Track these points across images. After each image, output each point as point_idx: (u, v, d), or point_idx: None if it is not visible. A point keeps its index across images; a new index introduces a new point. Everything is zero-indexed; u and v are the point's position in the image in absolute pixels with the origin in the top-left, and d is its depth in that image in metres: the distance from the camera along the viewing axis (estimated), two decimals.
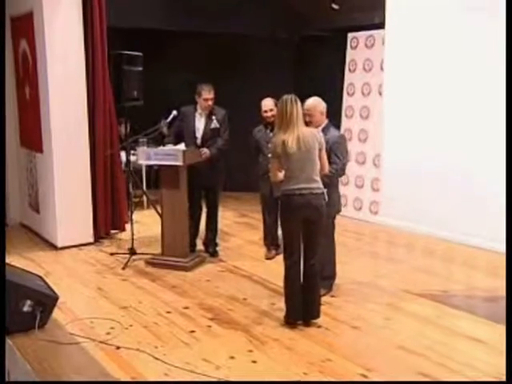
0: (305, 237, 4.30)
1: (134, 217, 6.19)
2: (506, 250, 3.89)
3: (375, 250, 6.52)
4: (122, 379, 3.56)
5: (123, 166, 6.97)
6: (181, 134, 5.87)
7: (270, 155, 4.34)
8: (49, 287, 4.35)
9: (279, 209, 4.38)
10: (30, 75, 6.43)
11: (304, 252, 4.32)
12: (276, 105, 5.61)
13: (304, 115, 4.41)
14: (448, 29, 6.25)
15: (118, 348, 3.94)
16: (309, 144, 4.15)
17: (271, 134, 5.74)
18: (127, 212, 6.76)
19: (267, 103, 5.76)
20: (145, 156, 5.61)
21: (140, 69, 6.57)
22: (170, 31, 7.88)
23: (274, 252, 6.02)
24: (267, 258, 5.97)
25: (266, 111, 5.75)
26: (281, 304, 4.71)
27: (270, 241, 6.09)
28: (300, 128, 4.18)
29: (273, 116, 5.71)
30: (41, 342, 3.98)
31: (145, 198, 7.84)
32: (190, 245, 5.96)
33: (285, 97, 4.22)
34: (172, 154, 5.42)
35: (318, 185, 4.23)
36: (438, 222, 6.39)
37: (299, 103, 4.22)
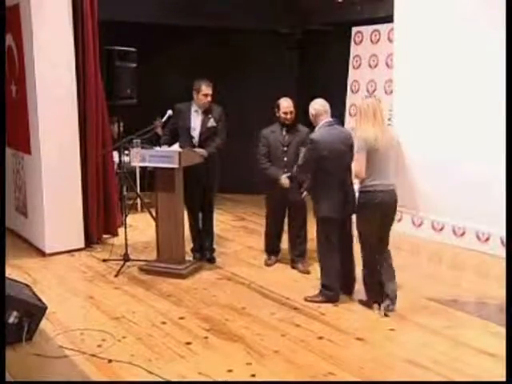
0: (382, 230, 4.73)
1: (127, 221, 6.16)
2: (506, 250, 3.91)
3: None
4: None
5: (116, 167, 6.95)
6: (176, 132, 5.84)
7: (356, 150, 4.64)
8: (36, 297, 4.32)
9: (358, 205, 4.73)
10: (16, 72, 6.39)
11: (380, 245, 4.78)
12: (294, 106, 5.57)
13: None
14: (462, 21, 6.21)
15: (110, 361, 3.91)
16: (392, 143, 4.65)
17: (287, 137, 5.62)
18: (120, 216, 6.74)
19: (289, 104, 5.60)
20: (139, 158, 5.58)
21: (134, 65, 6.56)
22: (166, 25, 7.84)
23: (274, 259, 5.99)
24: (267, 265, 5.94)
25: (286, 113, 5.58)
26: (281, 313, 4.72)
27: (271, 248, 6.01)
28: (386, 127, 4.72)
29: (291, 118, 5.62)
30: (28, 355, 3.95)
31: (138, 201, 7.82)
32: (195, 250, 6.05)
33: (373, 97, 4.95)
34: (167, 156, 5.39)
35: (394, 181, 4.69)
36: (450, 223, 6.42)
37: None
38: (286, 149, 5.62)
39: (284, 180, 5.49)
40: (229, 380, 3.70)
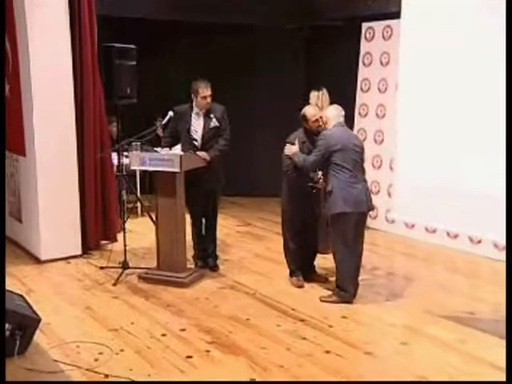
0: None
1: (127, 225, 6.15)
2: (506, 253, 3.95)
3: (391, 264, 6.45)
4: None
5: (115, 169, 6.94)
6: (177, 135, 5.85)
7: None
8: (30, 307, 4.31)
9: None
10: (9, 70, 6.40)
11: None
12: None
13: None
14: (471, 19, 6.16)
15: (107, 376, 3.89)
16: None
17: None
18: (119, 221, 6.73)
19: (316, 112, 5.40)
20: (139, 161, 5.58)
21: (133, 63, 6.53)
22: (167, 22, 7.84)
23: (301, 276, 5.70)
24: (300, 287, 5.57)
25: (317, 120, 5.35)
26: (287, 325, 4.70)
27: (299, 265, 5.68)
28: None
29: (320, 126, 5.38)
30: (20, 370, 3.93)
31: (139, 205, 7.80)
32: (197, 257, 6.04)
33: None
34: (168, 160, 5.38)
35: None
36: (457, 231, 6.38)
37: None
38: None
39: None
40: None
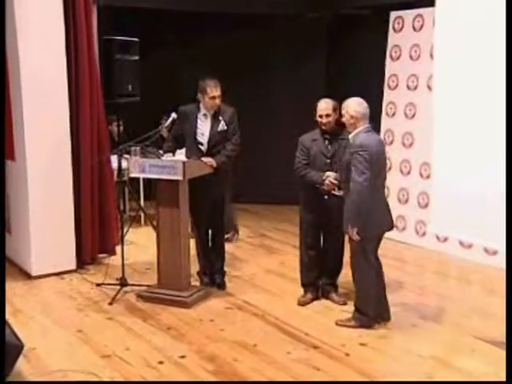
0: None
1: (128, 236, 6.11)
2: (506, 259, 4.01)
3: (420, 283, 6.32)
4: None
5: (115, 174, 6.89)
6: (181, 138, 5.81)
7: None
8: (13, 333, 4.23)
9: None
10: None
11: None
12: (335, 109, 5.32)
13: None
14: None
15: None
16: None
17: (330, 147, 5.36)
18: (118, 232, 6.69)
19: (325, 106, 5.35)
20: (138, 167, 5.55)
21: (136, 58, 6.52)
22: (174, 12, 7.82)
23: (309, 296, 5.65)
24: (299, 304, 5.58)
25: (321, 116, 5.33)
26: (298, 352, 4.63)
27: (307, 280, 5.70)
28: None
29: (329, 123, 5.33)
30: None
31: (142, 213, 7.77)
32: (202, 273, 5.99)
33: None
34: (170, 167, 5.34)
35: None
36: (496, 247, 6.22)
37: None
38: (329, 161, 5.37)
39: (328, 177, 5.24)
40: None
